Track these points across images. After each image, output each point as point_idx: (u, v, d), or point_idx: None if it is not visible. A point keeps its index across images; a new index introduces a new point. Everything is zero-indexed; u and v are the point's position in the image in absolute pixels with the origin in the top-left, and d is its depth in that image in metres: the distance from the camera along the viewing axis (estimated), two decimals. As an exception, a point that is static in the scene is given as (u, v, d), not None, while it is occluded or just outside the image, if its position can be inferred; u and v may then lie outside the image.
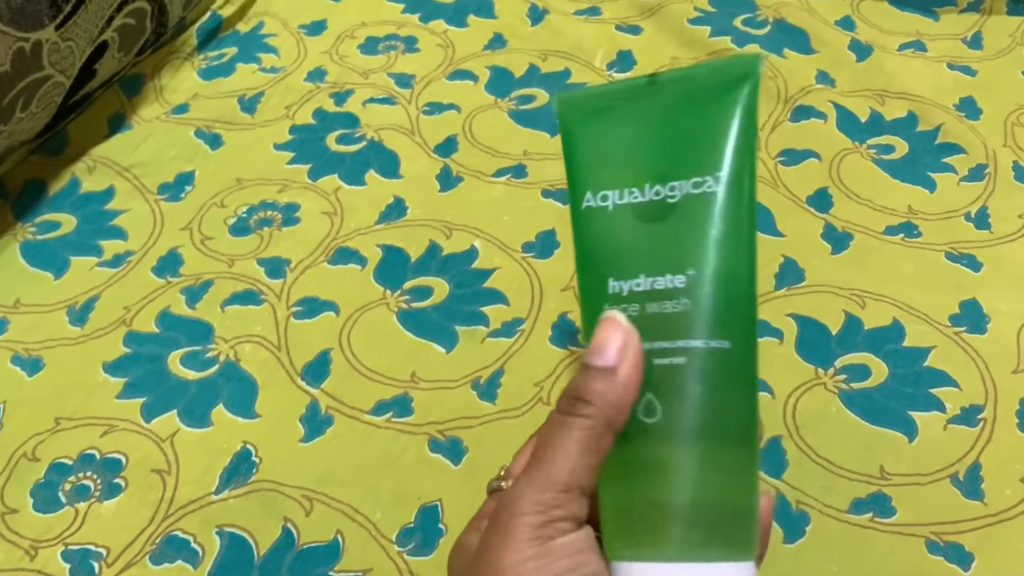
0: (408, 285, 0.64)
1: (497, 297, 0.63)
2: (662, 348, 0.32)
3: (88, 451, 0.56)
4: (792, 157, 0.73)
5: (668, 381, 0.32)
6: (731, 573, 0.31)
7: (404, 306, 0.63)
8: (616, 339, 0.32)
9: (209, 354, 0.60)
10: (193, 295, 0.64)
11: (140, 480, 0.55)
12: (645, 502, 0.31)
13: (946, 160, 0.72)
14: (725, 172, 0.33)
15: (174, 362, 0.60)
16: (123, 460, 0.55)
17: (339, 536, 0.52)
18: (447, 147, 0.75)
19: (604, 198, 0.34)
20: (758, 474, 0.32)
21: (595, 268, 0.34)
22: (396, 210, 0.70)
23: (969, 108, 0.77)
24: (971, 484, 0.54)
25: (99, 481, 0.55)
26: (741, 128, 0.33)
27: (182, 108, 0.78)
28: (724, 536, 0.31)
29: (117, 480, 0.55)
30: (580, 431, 0.31)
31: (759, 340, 0.35)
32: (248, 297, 0.64)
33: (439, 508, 0.53)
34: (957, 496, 0.53)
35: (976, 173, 0.71)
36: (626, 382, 0.31)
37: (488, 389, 0.58)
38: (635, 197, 0.34)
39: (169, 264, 0.66)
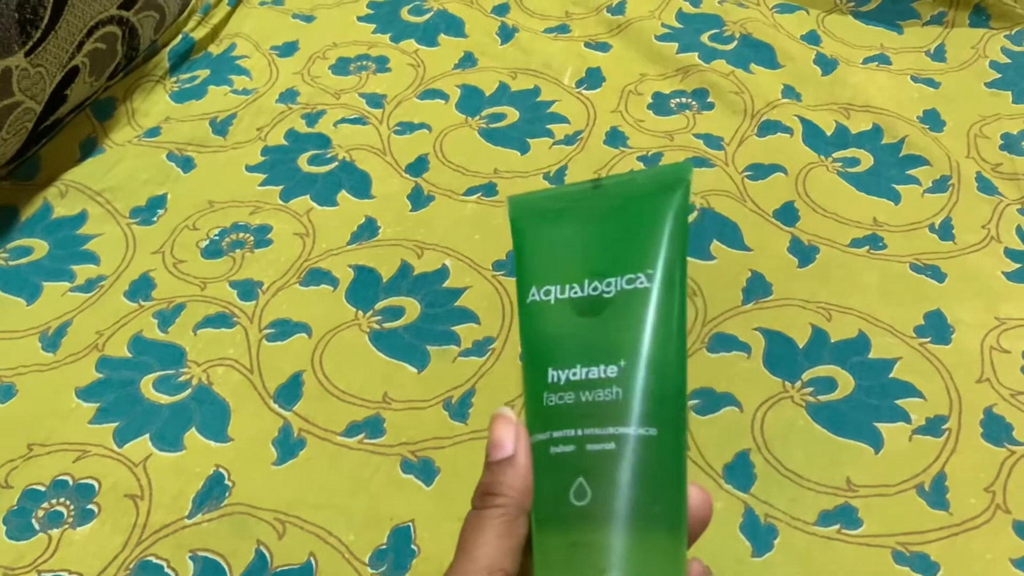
0: (380, 305, 0.65)
1: (468, 316, 0.64)
2: (594, 434, 0.34)
3: (61, 477, 0.56)
4: (759, 171, 0.74)
5: (598, 466, 0.33)
6: None
7: (376, 327, 0.63)
8: (510, 432, 0.35)
9: (182, 378, 0.61)
10: (165, 319, 0.64)
11: (113, 505, 0.55)
12: None
13: (910, 172, 0.73)
14: (658, 269, 0.35)
15: (147, 386, 0.60)
16: (96, 485, 0.56)
17: (312, 559, 0.52)
18: (418, 166, 0.75)
19: (547, 292, 0.36)
20: (686, 564, 0.34)
21: (537, 358, 0.36)
22: (368, 230, 0.70)
23: (933, 120, 0.78)
24: (936, 494, 0.54)
25: (72, 507, 0.55)
26: (674, 229, 0.36)
27: (154, 131, 0.78)
28: None
29: (90, 506, 0.55)
30: (495, 520, 0.34)
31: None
32: (220, 320, 0.64)
33: (411, 529, 0.53)
34: (923, 506, 0.54)
35: (940, 185, 0.72)
36: (526, 466, 0.34)
37: (460, 409, 0.59)
38: (575, 292, 0.36)
39: (141, 288, 0.66)
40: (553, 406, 0.35)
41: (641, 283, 0.35)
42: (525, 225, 0.38)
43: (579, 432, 0.34)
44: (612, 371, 0.34)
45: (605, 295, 0.35)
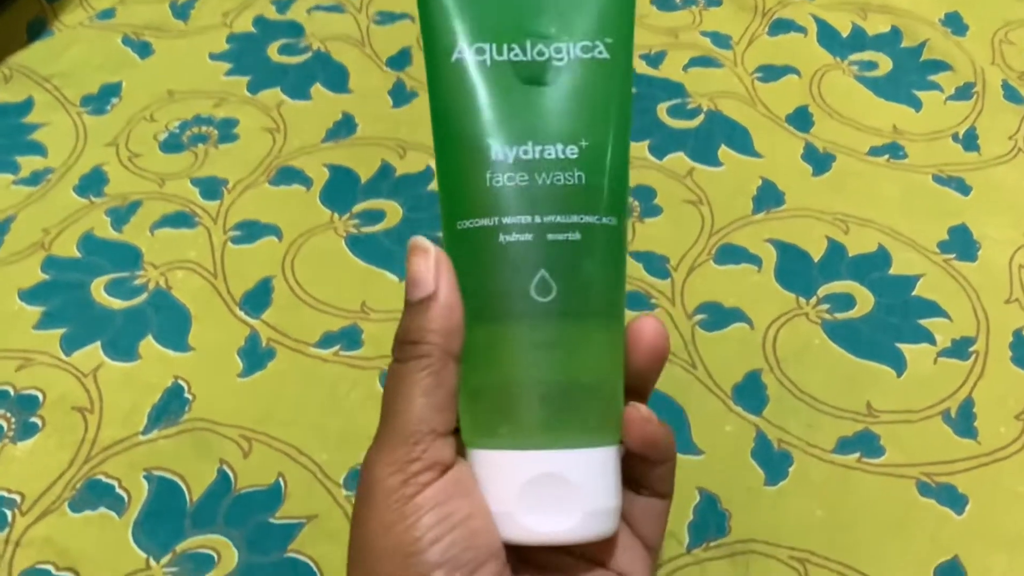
0: (358, 208, 0.59)
1: (454, 220, 0.58)
2: (555, 223, 0.30)
3: (2, 387, 0.51)
4: (770, 73, 0.68)
5: (562, 258, 0.30)
6: (597, 457, 0.30)
7: (353, 231, 0.58)
8: (429, 264, 0.30)
9: (137, 281, 0.55)
10: (119, 217, 0.58)
11: (59, 419, 0.50)
12: (522, 384, 0.30)
13: (932, 78, 0.68)
14: (614, 40, 0.31)
15: (98, 290, 0.55)
16: (40, 397, 0.50)
17: (281, 479, 0.48)
18: (401, 60, 0.69)
19: (480, 51, 0.31)
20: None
21: (467, 130, 0.31)
22: (345, 127, 0.64)
23: (955, 24, 0.72)
24: (963, 421, 0.50)
25: (13, 420, 0.49)
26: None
27: (108, 13, 0.72)
28: (592, 420, 0.30)
29: (33, 419, 0.50)
30: (419, 374, 0.29)
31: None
32: (180, 219, 0.58)
33: (391, 449, 0.49)
34: (949, 434, 0.50)
35: (963, 92, 0.67)
36: (450, 303, 0.30)
37: (445, 319, 0.54)
38: (516, 55, 0.31)
39: (93, 183, 0.60)
40: (500, 187, 0.30)
41: (600, 53, 0.31)
42: None
43: (538, 219, 0.30)
44: (572, 151, 0.30)
45: (556, 62, 0.31)
